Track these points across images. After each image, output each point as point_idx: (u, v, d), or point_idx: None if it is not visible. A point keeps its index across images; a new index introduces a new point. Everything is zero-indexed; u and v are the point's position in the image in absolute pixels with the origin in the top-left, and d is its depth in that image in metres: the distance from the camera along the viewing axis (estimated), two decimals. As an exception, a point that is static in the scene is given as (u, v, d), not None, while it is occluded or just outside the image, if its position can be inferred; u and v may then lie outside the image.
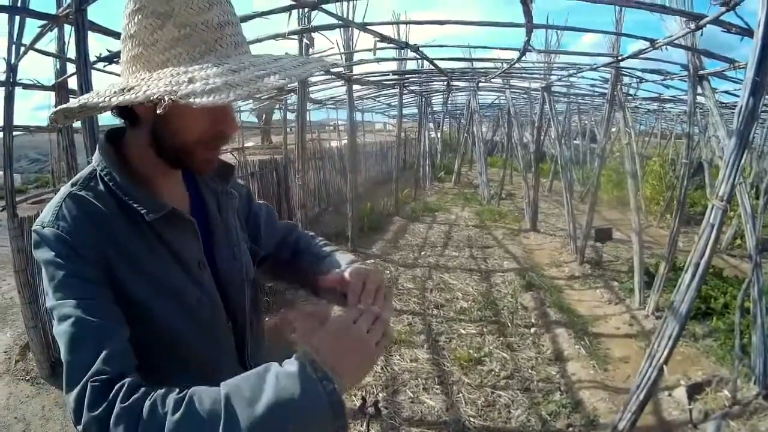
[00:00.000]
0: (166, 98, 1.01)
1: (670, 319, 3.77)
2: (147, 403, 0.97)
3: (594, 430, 4.54)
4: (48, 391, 5.11)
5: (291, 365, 1.00)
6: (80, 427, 1.00)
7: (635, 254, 7.57)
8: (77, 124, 4.49)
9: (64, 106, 1.18)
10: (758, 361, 4.88)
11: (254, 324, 1.54)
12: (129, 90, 1.09)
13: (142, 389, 1.00)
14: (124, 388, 1.00)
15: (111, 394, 0.99)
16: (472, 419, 4.70)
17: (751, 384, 4.93)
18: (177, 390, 1.00)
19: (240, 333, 1.46)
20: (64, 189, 1.24)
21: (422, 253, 10.46)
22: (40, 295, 5.21)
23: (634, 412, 3.85)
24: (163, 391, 1.00)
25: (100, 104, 1.11)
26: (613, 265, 9.46)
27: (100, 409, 0.98)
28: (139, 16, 1.13)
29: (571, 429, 4.59)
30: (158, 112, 1.02)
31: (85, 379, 1.02)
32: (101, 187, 1.24)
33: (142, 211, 1.21)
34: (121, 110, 1.25)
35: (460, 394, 5.07)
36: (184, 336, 1.27)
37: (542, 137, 13.81)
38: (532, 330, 6.59)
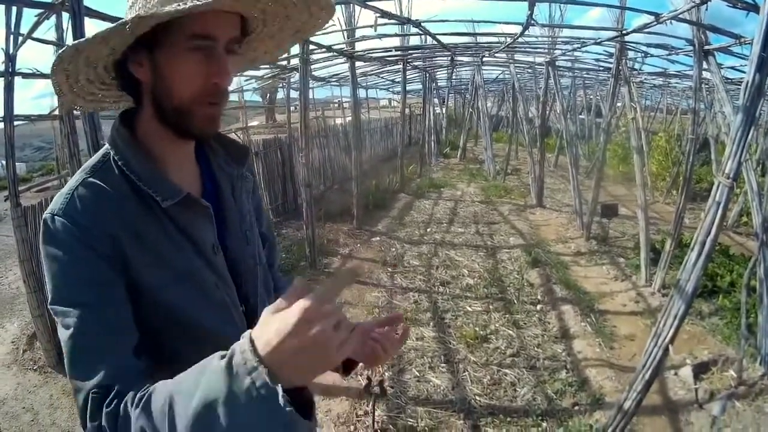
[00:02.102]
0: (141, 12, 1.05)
1: (676, 298, 3.72)
2: (122, 403, 0.99)
3: (600, 408, 4.55)
4: (55, 379, 5.14)
5: (222, 357, 0.90)
6: None
7: (641, 231, 7.55)
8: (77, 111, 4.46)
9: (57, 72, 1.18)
10: (764, 342, 4.87)
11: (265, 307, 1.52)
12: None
13: (129, 393, 1.01)
14: (112, 395, 1.02)
15: (105, 403, 1.01)
16: (477, 398, 4.72)
17: (757, 364, 4.92)
18: (147, 387, 1.01)
19: (251, 316, 1.42)
20: (77, 175, 1.22)
21: (428, 229, 10.48)
22: (45, 285, 5.19)
23: (639, 392, 3.81)
24: (138, 389, 1.01)
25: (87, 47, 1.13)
26: (619, 241, 9.46)
27: (97, 421, 1.01)
28: None
29: (576, 408, 4.61)
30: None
31: (86, 391, 1.04)
32: (115, 171, 1.22)
33: (158, 198, 1.20)
34: (126, 82, 1.26)
35: (466, 373, 5.10)
36: (200, 319, 1.26)
37: (547, 112, 13.74)
38: (538, 307, 6.60)
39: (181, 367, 0.99)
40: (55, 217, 1.13)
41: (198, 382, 0.89)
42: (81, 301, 1.10)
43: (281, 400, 0.82)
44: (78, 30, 3.75)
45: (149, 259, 1.19)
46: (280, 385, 0.83)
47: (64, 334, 1.10)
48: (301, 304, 0.86)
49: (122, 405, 0.99)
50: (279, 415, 0.83)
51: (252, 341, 0.87)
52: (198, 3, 1.01)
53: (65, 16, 4.91)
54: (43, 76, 5.70)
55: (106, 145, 1.27)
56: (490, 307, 6.59)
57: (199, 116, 1.23)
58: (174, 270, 1.23)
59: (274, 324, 0.87)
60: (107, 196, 1.18)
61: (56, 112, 5.71)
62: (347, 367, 1.55)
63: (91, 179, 1.19)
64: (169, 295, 1.21)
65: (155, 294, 1.19)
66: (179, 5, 1.02)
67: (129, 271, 1.16)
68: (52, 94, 4.47)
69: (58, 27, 5.41)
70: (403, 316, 1.42)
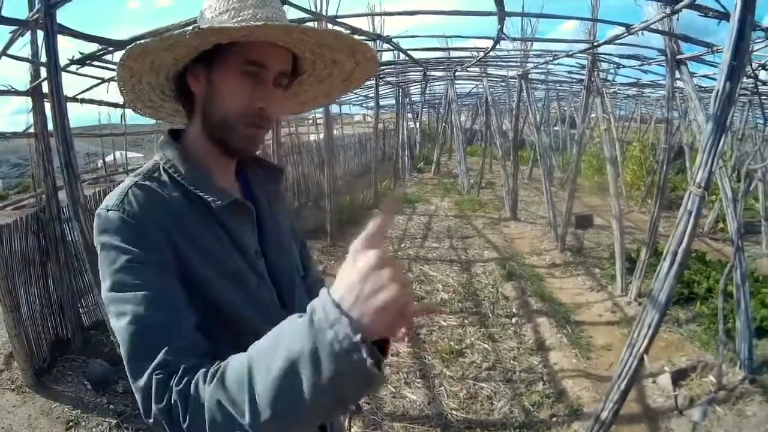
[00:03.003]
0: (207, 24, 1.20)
1: (650, 308, 3.72)
2: (192, 381, 1.00)
3: (578, 419, 4.53)
4: (33, 399, 5.02)
5: (300, 316, 0.92)
6: (150, 421, 1.04)
7: (616, 240, 7.54)
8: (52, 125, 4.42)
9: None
10: (743, 346, 4.90)
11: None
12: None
13: (200, 371, 1.02)
14: (179, 374, 1.02)
15: (172, 383, 1.01)
16: (454, 412, 4.69)
17: (737, 368, 4.93)
18: (218, 363, 1.02)
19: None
20: (129, 179, 1.29)
21: (402, 245, 10.41)
22: (22, 303, 5.16)
23: (616, 402, 3.81)
24: (207, 367, 1.02)
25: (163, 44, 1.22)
26: (594, 251, 9.47)
27: (165, 401, 1.01)
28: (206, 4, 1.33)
29: (554, 419, 4.58)
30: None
31: (149, 374, 1.04)
32: (165, 178, 1.30)
33: (209, 199, 1.27)
34: (182, 93, 1.37)
35: (442, 387, 5.05)
36: (244, 314, 1.31)
37: (521, 125, 13.79)
38: (514, 320, 6.56)
39: (223, 355, 1.05)
40: (110, 211, 1.19)
41: (277, 344, 0.91)
42: (139, 285, 1.13)
43: (364, 352, 0.82)
44: (51, 47, 3.80)
45: (198, 256, 1.25)
46: (360, 335, 0.83)
47: (122, 320, 1.10)
48: (369, 252, 0.87)
49: (192, 383, 1.00)
50: (360, 367, 0.83)
51: (330, 295, 0.87)
52: (252, 24, 1.15)
53: (40, 33, 4.95)
54: (17, 93, 5.69)
55: (156, 156, 1.37)
56: (465, 321, 6.54)
57: (241, 134, 1.32)
58: (221, 268, 1.29)
59: (347, 276, 0.88)
60: (159, 197, 1.25)
61: (31, 130, 5.67)
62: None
63: (143, 182, 1.27)
64: (216, 290, 1.26)
65: (203, 287, 1.24)
66: (237, 23, 1.19)
67: (182, 265, 1.21)
68: (28, 110, 4.46)
69: (33, 43, 5.42)
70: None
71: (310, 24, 6.85)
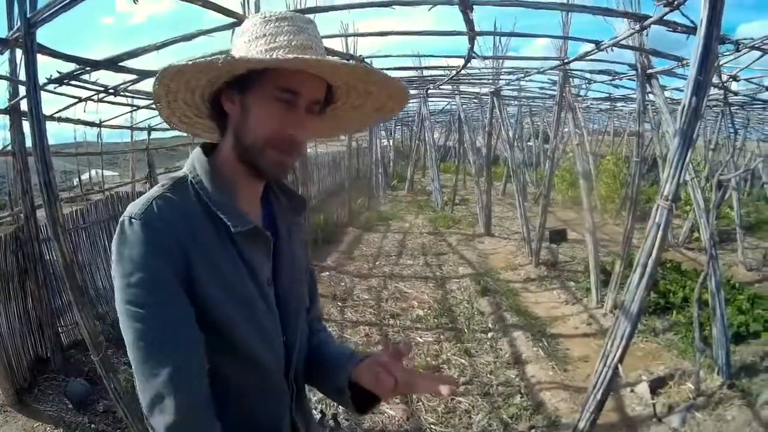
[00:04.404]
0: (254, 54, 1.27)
1: (622, 319, 3.76)
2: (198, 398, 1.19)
3: (557, 430, 4.55)
4: (15, 418, 4.97)
5: None
6: None
7: (590, 254, 7.59)
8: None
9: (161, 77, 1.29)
10: (720, 352, 4.96)
11: (302, 345, 1.59)
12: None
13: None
14: (185, 383, 1.17)
15: (179, 389, 1.16)
16: (433, 426, 4.69)
17: (715, 375, 5.00)
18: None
19: (289, 348, 1.50)
20: (155, 189, 1.31)
21: (377, 262, 10.38)
22: (2, 322, 5.11)
23: (592, 412, 3.85)
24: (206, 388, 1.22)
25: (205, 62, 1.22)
26: (569, 265, 9.51)
27: (168, 409, 1.15)
28: (238, 38, 1.37)
29: (533, 431, 4.60)
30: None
31: (158, 381, 1.15)
32: (191, 192, 1.32)
33: (229, 223, 1.29)
34: (217, 113, 1.40)
35: (420, 403, 5.03)
36: (247, 339, 1.33)
37: (494, 141, 13.85)
38: (490, 335, 6.54)
39: (218, 381, 1.22)
40: (133, 219, 1.21)
41: None
42: (152, 301, 1.19)
43: None
44: (30, 65, 3.79)
45: (211, 275, 1.27)
46: None
47: (135, 329, 1.18)
48: None
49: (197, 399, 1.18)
50: None
51: None
52: (288, 57, 1.22)
53: (18, 51, 4.96)
54: None
55: (186, 168, 1.39)
56: (441, 337, 6.52)
57: (270, 158, 1.33)
58: (231, 291, 1.30)
59: None
60: (182, 210, 1.27)
61: (8, 148, 5.65)
62: (367, 403, 1.55)
63: (169, 194, 1.29)
64: (223, 311, 1.28)
65: (210, 307, 1.26)
66: (272, 54, 1.25)
67: (191, 280, 1.24)
68: (5, 126, 4.39)
69: (11, 61, 5.41)
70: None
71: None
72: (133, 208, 1.23)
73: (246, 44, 1.31)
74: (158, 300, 1.19)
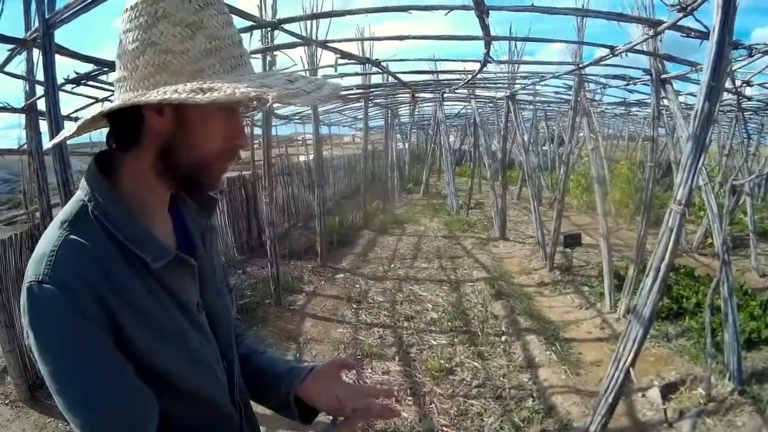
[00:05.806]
0: (229, 93, 1.00)
1: (634, 323, 3.78)
2: None
3: (567, 434, 4.53)
4: (27, 414, 5.05)
5: None
6: None
7: (604, 258, 7.58)
8: (48, 144, 4.43)
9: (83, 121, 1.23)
10: (732, 358, 4.95)
11: (237, 358, 1.53)
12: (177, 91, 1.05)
13: None
14: None
15: None
16: (445, 429, 4.71)
17: (726, 380, 4.99)
18: None
19: (229, 369, 1.44)
20: (54, 232, 1.12)
21: (392, 265, 10.40)
22: (16, 319, 5.16)
23: (603, 415, 3.87)
24: None
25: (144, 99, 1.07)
26: (583, 270, 9.49)
27: None
28: (165, 24, 1.10)
29: (544, 434, 4.59)
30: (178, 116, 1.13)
31: None
32: (95, 225, 1.14)
33: (147, 259, 1.16)
34: (124, 130, 1.21)
35: (433, 405, 5.06)
36: (190, 381, 1.25)
37: (509, 145, 13.84)
38: (503, 338, 6.56)
39: (169, 425, 1.14)
40: (42, 285, 1.04)
41: None
42: (88, 376, 1.07)
43: None
44: (49, 66, 3.77)
45: (137, 322, 1.13)
46: None
47: (79, 415, 1.09)
48: None
49: None
50: None
51: None
52: (251, 91, 0.99)
53: (35, 51, 4.96)
54: (13, 110, 5.79)
55: (80, 192, 1.20)
56: (455, 339, 6.54)
57: (216, 171, 1.27)
58: (161, 332, 1.19)
59: None
60: (92, 256, 1.09)
61: (25, 147, 5.69)
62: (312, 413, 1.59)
63: (72, 237, 1.10)
64: (159, 360, 1.18)
65: (147, 359, 1.15)
66: (218, 93, 1.00)
67: (121, 337, 1.10)
68: (21, 124, 4.50)
69: (29, 61, 5.44)
70: (393, 392, 1.47)
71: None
72: (38, 267, 1.05)
73: (178, 38, 1.10)
74: (97, 375, 1.07)
